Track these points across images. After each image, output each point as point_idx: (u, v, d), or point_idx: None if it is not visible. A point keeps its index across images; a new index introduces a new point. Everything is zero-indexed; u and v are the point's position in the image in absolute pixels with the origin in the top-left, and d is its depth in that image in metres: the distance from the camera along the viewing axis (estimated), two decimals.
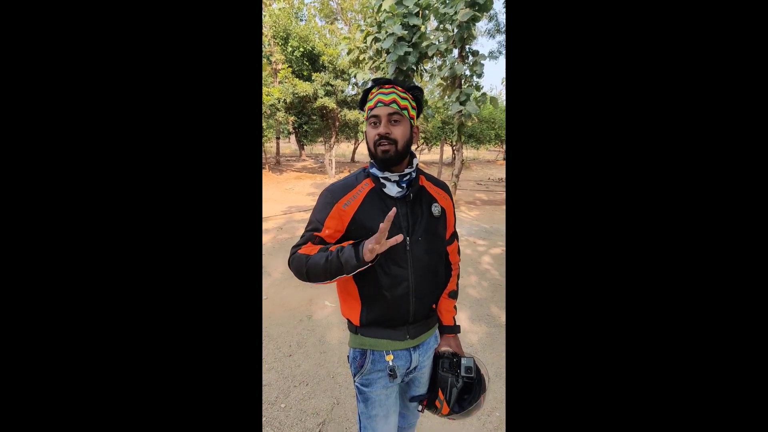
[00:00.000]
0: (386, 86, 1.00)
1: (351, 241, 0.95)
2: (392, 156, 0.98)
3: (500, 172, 18.19)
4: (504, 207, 8.72)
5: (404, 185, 1.03)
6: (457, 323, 1.23)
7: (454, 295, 1.23)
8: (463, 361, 1.13)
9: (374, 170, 1.03)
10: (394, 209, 0.86)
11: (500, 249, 5.22)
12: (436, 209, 1.09)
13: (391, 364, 1.05)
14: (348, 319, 1.10)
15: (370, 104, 1.00)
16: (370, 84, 1.03)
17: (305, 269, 0.96)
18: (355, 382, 1.11)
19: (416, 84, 1.06)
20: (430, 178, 1.14)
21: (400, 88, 1.00)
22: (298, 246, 1.03)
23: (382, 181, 1.02)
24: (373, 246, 0.85)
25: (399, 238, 0.88)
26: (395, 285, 1.01)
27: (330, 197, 1.02)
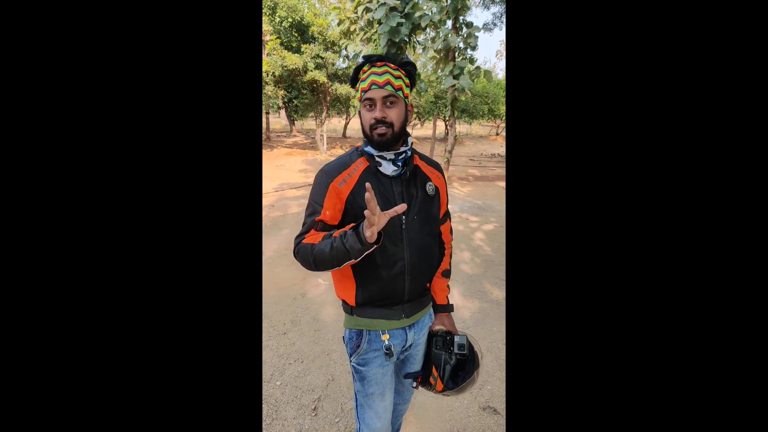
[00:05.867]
0: (378, 64, 0.96)
1: (352, 224, 0.92)
2: (389, 139, 0.96)
3: (493, 148, 18.13)
4: (497, 183, 8.74)
5: (399, 163, 1.01)
6: (450, 302, 1.25)
7: (447, 274, 1.24)
8: (456, 338, 1.15)
9: (369, 149, 1.00)
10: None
11: (493, 225, 5.25)
12: (430, 188, 1.07)
13: (387, 343, 1.05)
14: (343, 299, 1.09)
15: (363, 85, 0.97)
16: (361, 60, 0.99)
17: (312, 259, 0.93)
18: (351, 362, 1.11)
19: (409, 58, 1.02)
20: (423, 157, 1.13)
21: (392, 65, 0.96)
22: (301, 235, 1.00)
23: (377, 159, 1.00)
24: (370, 225, 0.82)
25: (402, 207, 0.85)
26: (391, 264, 1.00)
27: (325, 177, 1.00)
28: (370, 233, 0.82)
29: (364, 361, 1.08)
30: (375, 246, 0.88)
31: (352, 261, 0.90)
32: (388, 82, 0.93)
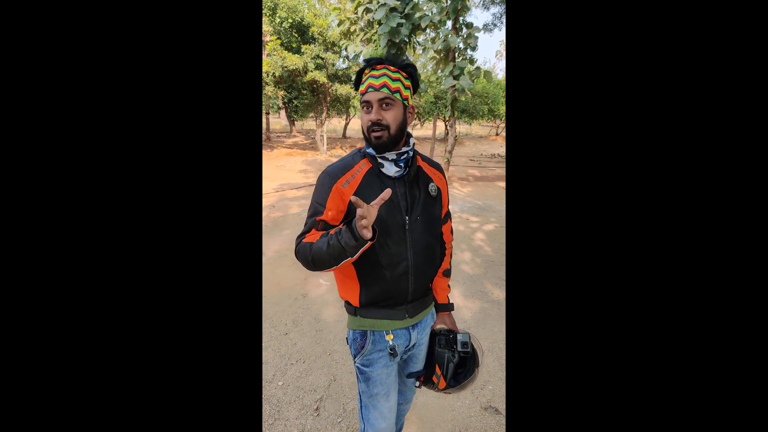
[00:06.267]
0: (377, 67, 0.96)
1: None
2: (385, 141, 0.96)
3: (493, 148, 18.14)
4: (497, 183, 8.74)
5: (402, 164, 1.01)
6: (450, 301, 1.26)
7: (447, 273, 1.25)
8: (459, 336, 1.15)
9: (370, 150, 1.01)
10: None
11: (493, 225, 5.25)
12: (432, 189, 1.08)
13: (391, 343, 1.06)
14: (346, 300, 1.09)
15: (362, 88, 0.97)
16: (362, 64, 1.00)
17: (310, 257, 0.94)
18: (355, 362, 1.12)
19: (409, 60, 1.02)
20: (424, 158, 1.13)
21: (391, 68, 0.96)
22: (302, 235, 1.01)
23: (379, 160, 1.00)
24: (363, 226, 0.81)
25: (387, 192, 0.84)
26: (395, 264, 1.01)
27: (328, 179, 1.00)
28: (367, 231, 0.82)
29: (369, 362, 1.08)
30: (370, 242, 0.87)
31: (350, 259, 0.89)
32: (385, 85, 0.94)
